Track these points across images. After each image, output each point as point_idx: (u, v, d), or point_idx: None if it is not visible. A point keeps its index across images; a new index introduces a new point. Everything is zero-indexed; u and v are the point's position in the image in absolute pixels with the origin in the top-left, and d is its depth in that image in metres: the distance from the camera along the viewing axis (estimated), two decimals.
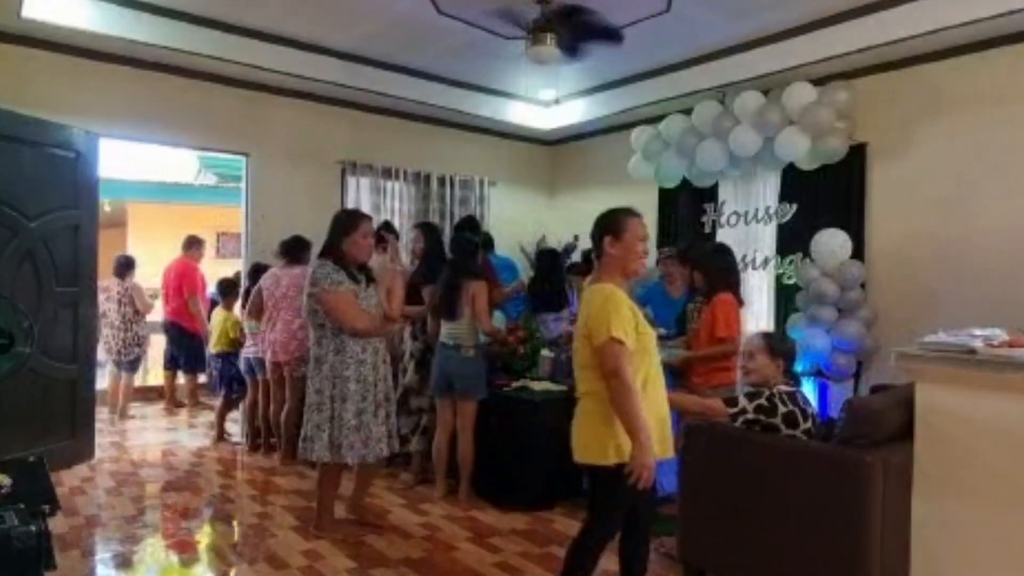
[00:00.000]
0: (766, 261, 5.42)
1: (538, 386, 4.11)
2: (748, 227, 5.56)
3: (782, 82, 4.93)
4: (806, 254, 5.06)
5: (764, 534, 2.64)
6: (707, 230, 5.84)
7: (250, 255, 5.51)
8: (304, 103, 5.78)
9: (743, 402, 2.74)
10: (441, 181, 6.53)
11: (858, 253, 4.72)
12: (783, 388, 2.79)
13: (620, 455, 2.20)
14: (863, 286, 4.67)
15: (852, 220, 4.84)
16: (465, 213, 6.53)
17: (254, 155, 5.60)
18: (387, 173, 6.18)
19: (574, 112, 6.51)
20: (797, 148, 4.79)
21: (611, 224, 2.41)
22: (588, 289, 2.40)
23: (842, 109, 4.73)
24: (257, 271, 5.19)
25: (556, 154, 7.31)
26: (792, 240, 5.22)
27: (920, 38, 4.25)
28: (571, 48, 3.89)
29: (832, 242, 4.64)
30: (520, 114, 6.59)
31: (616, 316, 2.22)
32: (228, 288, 5.82)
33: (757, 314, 5.49)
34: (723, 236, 5.69)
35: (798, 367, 4.64)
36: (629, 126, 6.04)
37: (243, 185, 5.66)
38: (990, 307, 4.03)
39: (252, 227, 5.56)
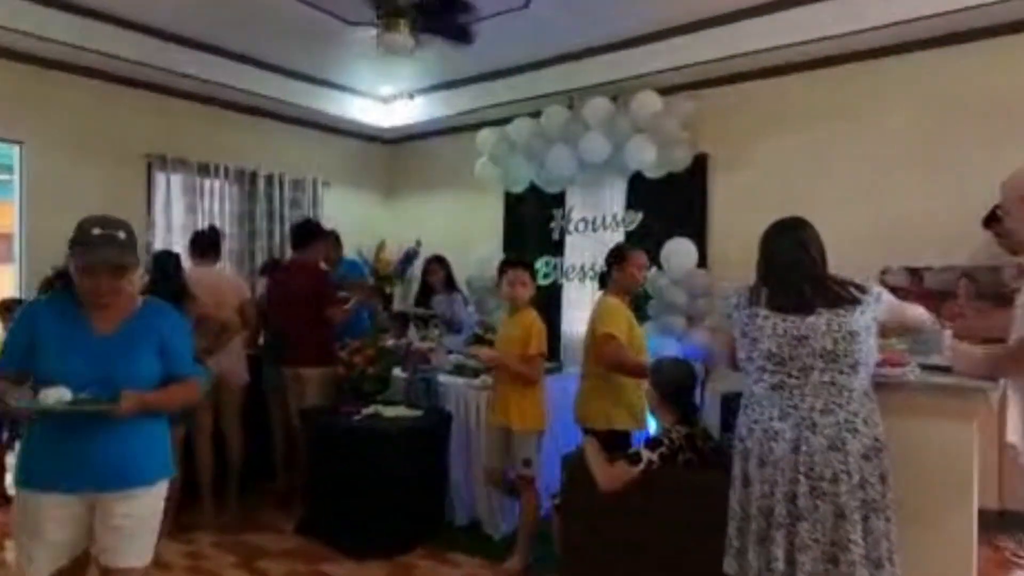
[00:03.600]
0: None
1: (391, 412, 3.70)
2: (596, 234, 5.51)
3: (630, 90, 4.93)
4: (653, 262, 5.11)
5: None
6: (555, 236, 5.73)
7: (27, 262, 4.54)
8: (97, 84, 4.86)
9: (646, 454, 2.53)
10: (269, 180, 5.85)
11: (702, 262, 4.83)
12: (680, 430, 2.61)
13: (609, 423, 3.11)
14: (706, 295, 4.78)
15: (696, 229, 4.95)
16: (298, 215, 5.92)
17: (30, 143, 4.61)
18: (204, 170, 5.40)
19: (416, 110, 6.14)
20: (644, 156, 4.80)
21: (618, 255, 3.44)
22: (599, 301, 3.38)
23: (687, 120, 4.81)
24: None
25: (396, 154, 6.88)
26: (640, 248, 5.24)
27: (762, 53, 4.42)
28: (457, 33, 3.53)
29: (680, 251, 4.70)
30: (357, 109, 6.09)
31: (613, 320, 3.17)
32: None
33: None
34: (571, 243, 5.63)
35: None
36: (475, 127, 5.78)
37: (15, 178, 4.65)
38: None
39: (28, 229, 4.58)
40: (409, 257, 6.40)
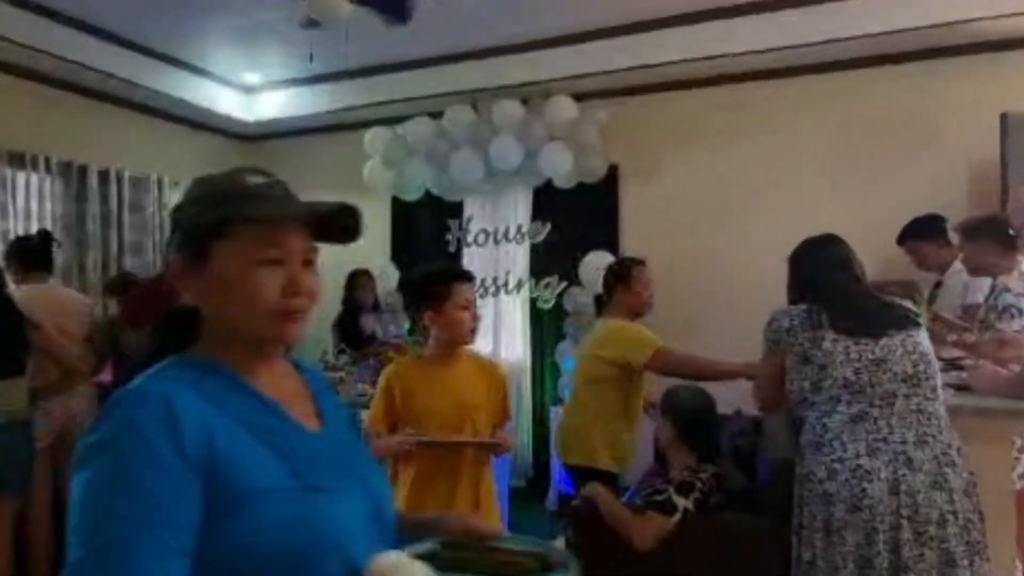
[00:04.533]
0: (519, 284, 5.05)
1: None
2: (498, 247, 5.14)
3: (542, 94, 4.64)
4: (564, 277, 4.85)
5: None
6: (451, 248, 5.27)
7: None
8: None
9: (680, 502, 2.16)
10: (104, 177, 4.77)
11: None
12: (707, 468, 2.30)
13: (592, 460, 2.75)
14: None
15: (607, 242, 4.75)
16: (138, 219, 4.93)
17: None
18: (17, 160, 4.26)
19: (287, 103, 5.39)
20: (560, 164, 4.52)
21: (622, 272, 3.00)
22: (603, 325, 2.94)
23: (602, 128, 4.60)
24: None
25: (259, 152, 6.00)
26: (548, 262, 4.95)
27: (678, 65, 4.32)
28: (395, 7, 2.95)
29: (601, 265, 4.45)
30: (214, 98, 5.20)
31: (640, 336, 2.77)
32: None
33: (509, 343, 5.11)
34: (470, 256, 5.19)
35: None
36: (361, 126, 5.17)
37: None
38: (746, 333, 4.21)
39: None
40: None
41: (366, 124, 5.13)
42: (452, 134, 4.77)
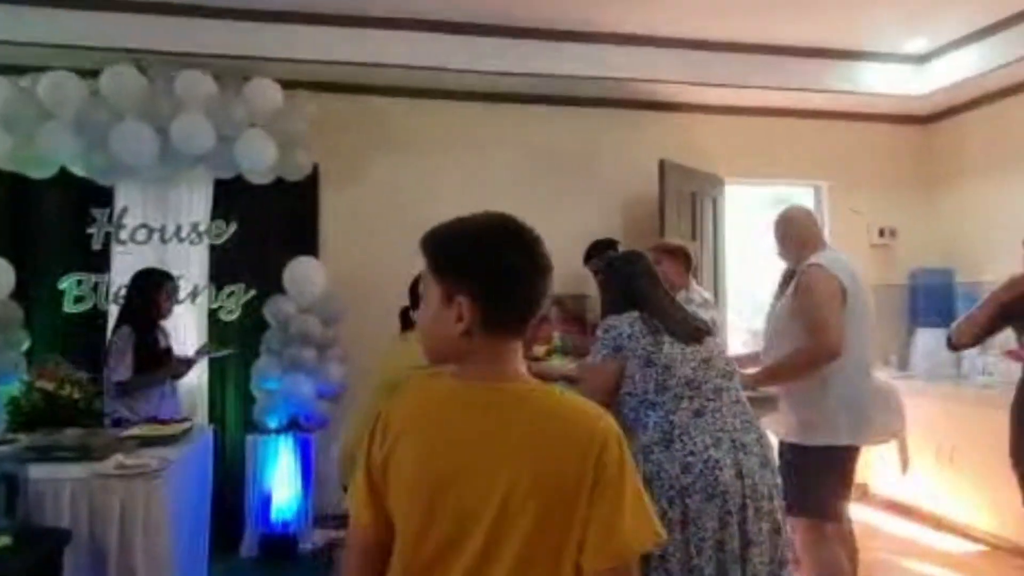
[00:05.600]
0: (195, 292, 4.23)
1: None
2: (166, 247, 4.22)
3: (239, 72, 4.02)
4: (254, 284, 4.25)
5: None
6: (96, 246, 4.14)
7: None
8: None
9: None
10: None
11: None
12: None
13: None
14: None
15: (306, 247, 4.32)
16: None
17: None
18: None
19: None
20: (261, 156, 3.96)
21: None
22: None
23: (308, 122, 4.19)
24: None
25: None
26: (233, 267, 4.27)
27: (389, 69, 4.21)
28: None
29: (307, 272, 4.04)
30: None
31: None
32: None
33: None
34: (123, 257, 4.16)
35: (272, 421, 3.90)
36: None
37: None
38: None
39: None
40: None
41: None
42: (114, 100, 3.77)
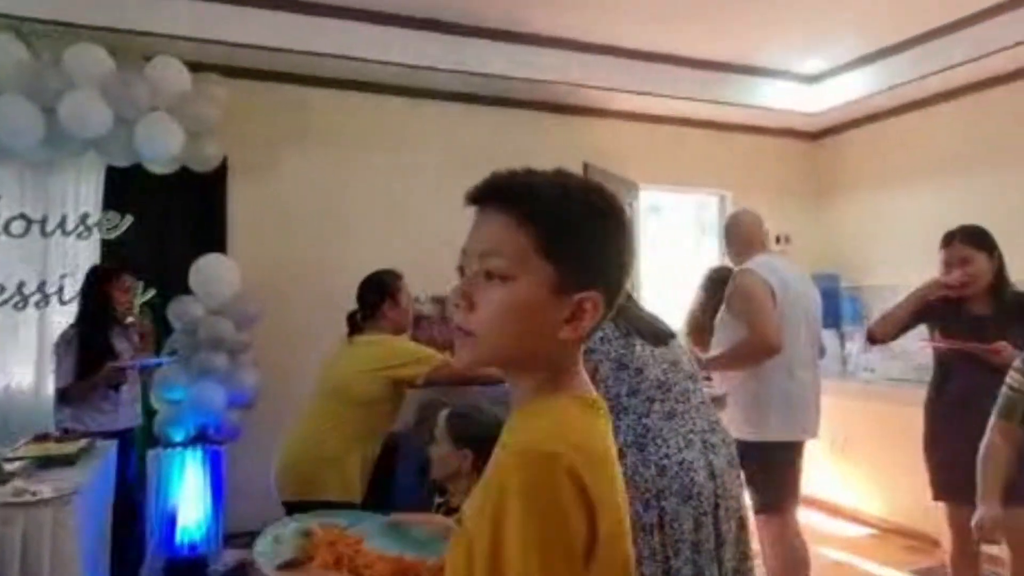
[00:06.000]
0: None
1: None
2: (49, 240, 3.76)
3: (140, 49, 3.65)
4: (152, 283, 3.88)
5: None
6: None
7: None
8: None
9: None
10: None
11: None
12: None
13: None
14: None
15: (212, 244, 3.99)
16: None
17: None
18: None
19: None
20: (166, 143, 3.61)
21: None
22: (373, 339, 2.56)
23: (219, 109, 3.87)
24: None
25: None
26: (130, 264, 3.85)
27: (303, 56, 3.98)
28: None
29: (218, 272, 3.73)
30: None
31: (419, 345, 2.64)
32: None
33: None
34: None
35: (177, 434, 3.59)
36: None
37: None
38: None
39: None
40: None
41: None
42: None
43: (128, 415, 3.23)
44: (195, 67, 3.76)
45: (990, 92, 4.54)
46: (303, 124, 4.31)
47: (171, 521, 3.61)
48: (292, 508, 2.38)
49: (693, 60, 4.70)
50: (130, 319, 3.38)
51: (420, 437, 2.80)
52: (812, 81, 5.12)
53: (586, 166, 4.48)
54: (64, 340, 3.04)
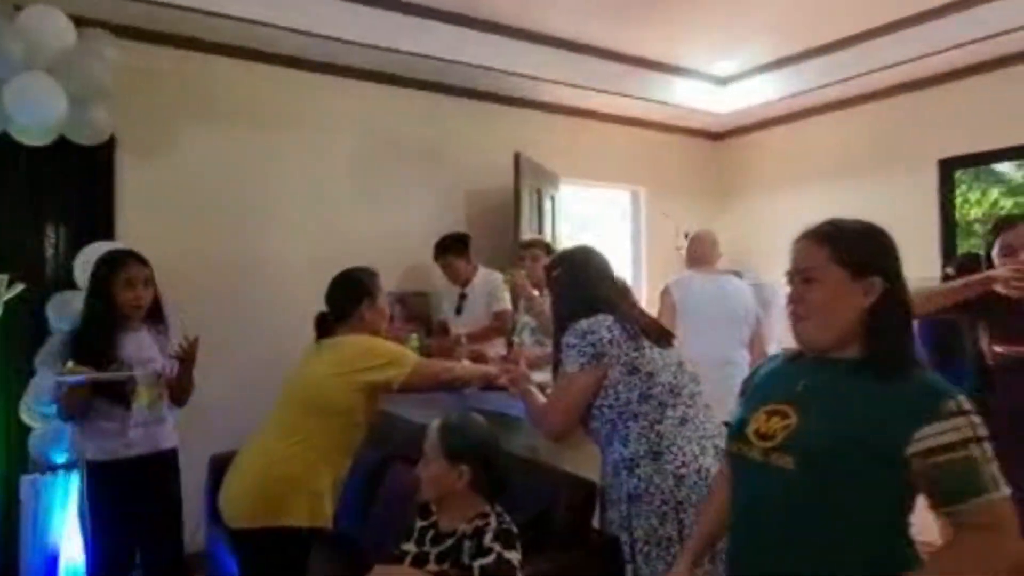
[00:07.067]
0: None
1: None
2: None
3: None
4: (25, 277, 3.24)
5: None
6: None
7: None
8: None
9: (512, 556, 1.70)
10: None
11: None
12: (505, 516, 1.84)
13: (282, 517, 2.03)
14: None
15: (96, 230, 3.41)
16: None
17: None
18: None
19: None
20: (47, 109, 3.02)
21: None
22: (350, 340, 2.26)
23: (108, 73, 3.30)
24: None
25: None
26: None
27: (228, 22, 3.50)
28: None
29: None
30: None
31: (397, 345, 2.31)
32: None
33: None
34: None
35: (57, 455, 3.07)
36: None
37: None
38: (267, 337, 3.73)
39: None
40: None
41: None
42: None
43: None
44: (79, 21, 3.17)
45: (877, 104, 4.89)
46: (206, 98, 3.80)
47: (52, 559, 3.03)
48: (248, 536, 2.02)
49: (619, 54, 4.69)
50: None
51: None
52: (722, 83, 5.27)
53: (518, 156, 4.31)
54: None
